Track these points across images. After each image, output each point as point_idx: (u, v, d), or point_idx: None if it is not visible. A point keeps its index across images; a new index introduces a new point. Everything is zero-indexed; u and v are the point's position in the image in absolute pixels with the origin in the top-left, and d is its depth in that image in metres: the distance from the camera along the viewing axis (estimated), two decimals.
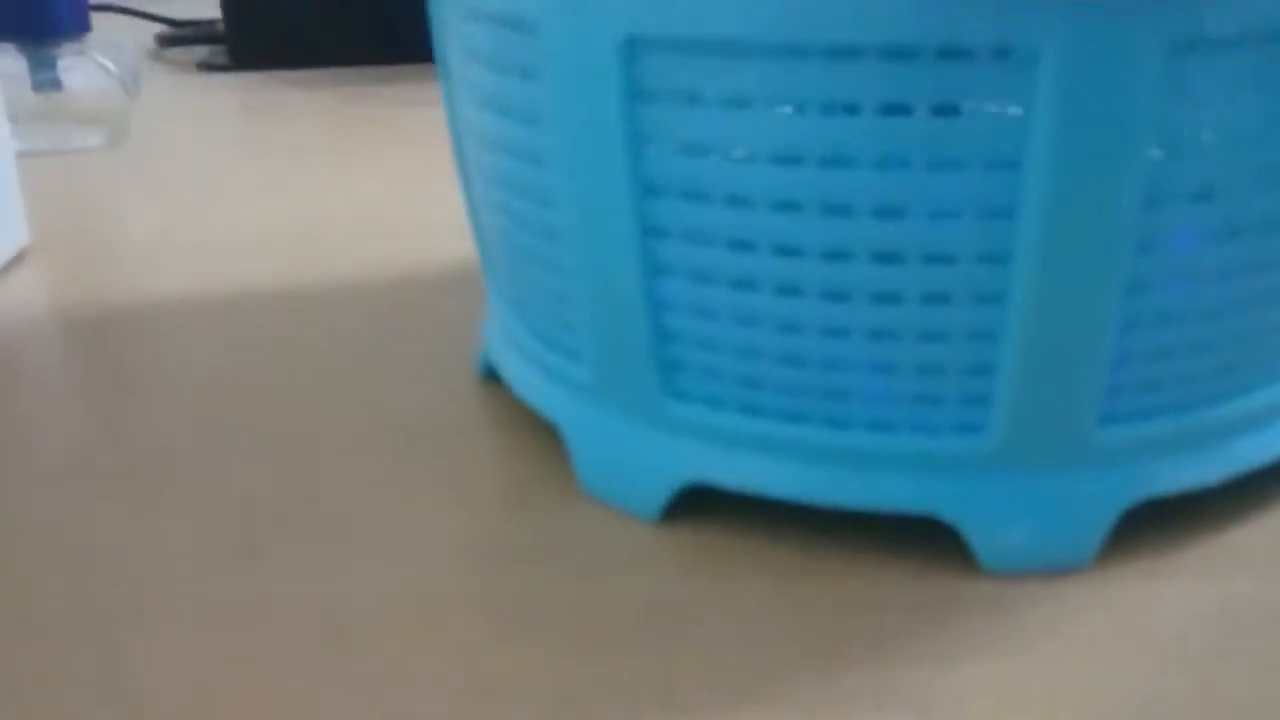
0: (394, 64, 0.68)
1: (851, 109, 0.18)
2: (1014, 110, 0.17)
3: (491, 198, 0.24)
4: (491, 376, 0.28)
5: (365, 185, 0.46)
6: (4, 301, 0.34)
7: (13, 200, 0.37)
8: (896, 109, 0.17)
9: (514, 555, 0.22)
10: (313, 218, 0.42)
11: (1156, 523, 0.21)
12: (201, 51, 0.74)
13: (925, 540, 0.21)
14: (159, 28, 0.78)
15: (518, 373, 0.26)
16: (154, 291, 0.35)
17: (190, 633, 0.20)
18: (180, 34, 0.76)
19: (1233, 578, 0.20)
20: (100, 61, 0.51)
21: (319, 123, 0.56)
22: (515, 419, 0.26)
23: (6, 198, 0.37)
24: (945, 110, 0.17)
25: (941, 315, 0.19)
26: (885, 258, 0.19)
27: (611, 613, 0.20)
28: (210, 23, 0.76)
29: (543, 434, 0.26)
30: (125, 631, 0.20)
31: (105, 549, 0.22)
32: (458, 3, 0.22)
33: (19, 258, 0.38)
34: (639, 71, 0.19)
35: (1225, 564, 0.21)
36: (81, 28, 0.50)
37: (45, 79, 0.49)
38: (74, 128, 0.51)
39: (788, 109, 0.18)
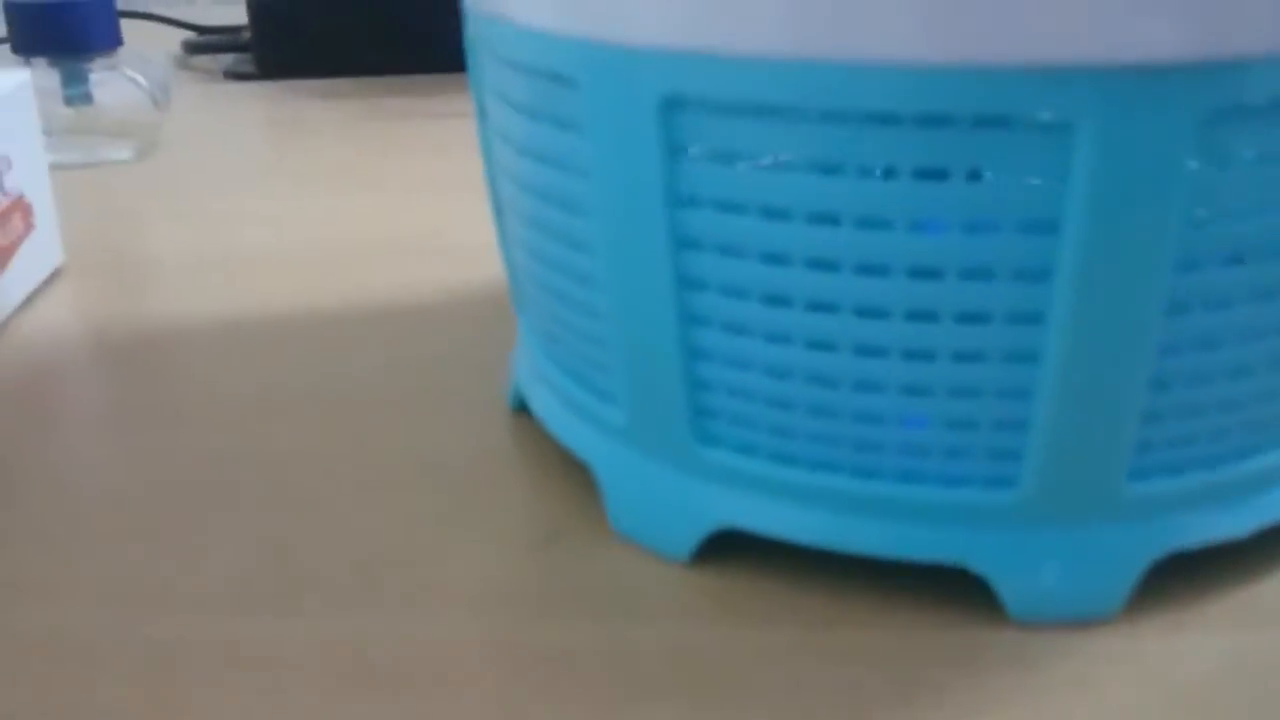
0: (421, 73, 0.68)
1: (888, 173, 0.18)
2: (1049, 176, 0.17)
3: (525, 238, 0.24)
4: (522, 408, 0.28)
5: (393, 201, 0.46)
6: (38, 324, 0.35)
7: (50, 224, 0.38)
8: (932, 174, 0.18)
9: (544, 597, 0.22)
10: (339, 236, 0.42)
11: (1184, 574, 0.22)
12: (227, 59, 0.74)
13: (953, 588, 0.21)
14: (185, 34, 0.79)
15: (549, 409, 0.26)
16: (183, 314, 0.35)
17: (218, 669, 0.20)
18: (207, 41, 0.76)
19: (1261, 630, 0.20)
20: (131, 76, 0.51)
21: (345, 135, 0.56)
22: (545, 454, 0.27)
23: (44, 222, 0.37)
24: (980, 176, 0.17)
25: (974, 372, 0.19)
26: (919, 316, 0.19)
27: (640, 658, 0.20)
28: (236, 29, 0.76)
29: (574, 470, 0.26)
30: (152, 661, 0.20)
31: (133, 577, 0.23)
32: (494, 50, 0.22)
33: (53, 278, 0.38)
34: (677, 130, 0.19)
35: (1254, 616, 0.21)
36: (113, 43, 0.50)
37: (77, 93, 0.50)
38: (104, 141, 0.52)
39: (824, 172, 0.18)
